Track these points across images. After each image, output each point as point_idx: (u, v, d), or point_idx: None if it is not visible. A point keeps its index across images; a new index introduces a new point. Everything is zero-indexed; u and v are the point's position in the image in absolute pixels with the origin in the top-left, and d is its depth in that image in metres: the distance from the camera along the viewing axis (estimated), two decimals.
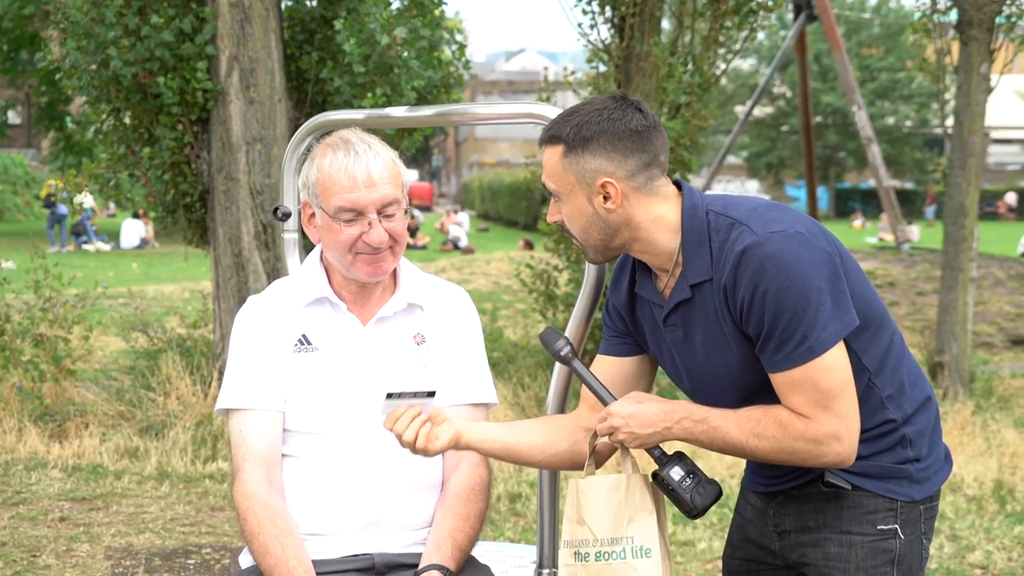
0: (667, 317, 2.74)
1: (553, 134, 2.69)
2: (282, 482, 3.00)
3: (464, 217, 34.97)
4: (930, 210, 47.54)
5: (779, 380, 2.59)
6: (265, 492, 2.94)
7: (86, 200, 13.66)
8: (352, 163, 2.94)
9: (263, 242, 8.41)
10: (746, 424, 2.62)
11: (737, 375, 2.69)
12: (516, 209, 40.73)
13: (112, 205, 28.13)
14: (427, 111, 3.64)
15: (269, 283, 8.09)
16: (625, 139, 2.63)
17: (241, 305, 3.17)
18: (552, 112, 3.07)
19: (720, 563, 4.05)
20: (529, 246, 25.22)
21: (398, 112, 3.60)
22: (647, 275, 2.79)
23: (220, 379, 8.29)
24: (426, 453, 2.75)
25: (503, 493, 7.06)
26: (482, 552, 3.23)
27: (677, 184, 2.72)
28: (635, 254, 2.74)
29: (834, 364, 2.55)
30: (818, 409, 2.55)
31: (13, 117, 43.05)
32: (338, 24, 8.37)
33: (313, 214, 3.03)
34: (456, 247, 30.79)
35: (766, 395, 2.66)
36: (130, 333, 9.96)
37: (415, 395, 2.73)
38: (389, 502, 3.00)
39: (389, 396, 2.71)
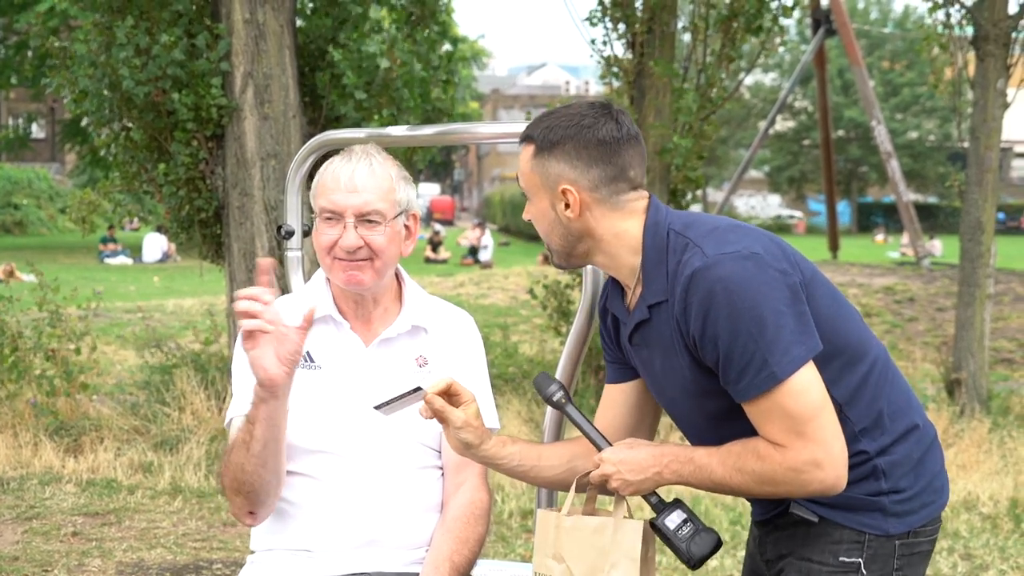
0: (631, 335, 2.66)
1: (527, 134, 2.62)
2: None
3: (486, 230, 35.05)
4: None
5: (750, 410, 2.46)
6: None
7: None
8: (342, 167, 2.98)
9: (278, 258, 8.40)
10: (728, 459, 2.50)
11: (693, 401, 2.60)
12: None
13: (135, 220, 28.45)
14: (427, 130, 3.66)
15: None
16: (591, 148, 2.53)
17: None
18: None
19: None
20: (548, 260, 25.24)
21: (398, 131, 3.63)
22: (617, 289, 2.71)
23: None
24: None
25: (515, 509, 7.05)
26: (484, 572, 3.23)
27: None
28: (599, 266, 2.67)
29: (803, 387, 2.40)
30: (792, 436, 2.41)
31: (36, 131, 43.30)
32: (336, 55, 8.40)
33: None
34: (477, 261, 30.81)
35: (734, 420, 2.53)
36: (145, 348, 9.99)
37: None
38: (386, 521, 2.98)
39: (377, 408, 2.64)
